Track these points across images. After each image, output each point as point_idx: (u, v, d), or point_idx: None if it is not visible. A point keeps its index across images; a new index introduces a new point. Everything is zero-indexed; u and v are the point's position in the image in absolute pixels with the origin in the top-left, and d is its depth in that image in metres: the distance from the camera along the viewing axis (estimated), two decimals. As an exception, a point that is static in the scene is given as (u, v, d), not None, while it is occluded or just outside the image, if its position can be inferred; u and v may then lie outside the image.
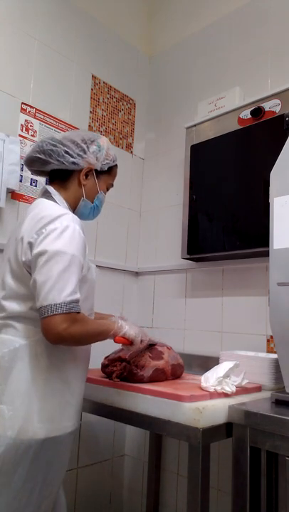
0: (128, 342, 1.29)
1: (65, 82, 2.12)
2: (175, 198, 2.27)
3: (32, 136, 1.93)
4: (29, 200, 1.86)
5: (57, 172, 1.32)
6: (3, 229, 1.77)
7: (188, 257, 2.03)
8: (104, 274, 2.20)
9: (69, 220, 1.17)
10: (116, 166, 1.42)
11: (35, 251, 1.13)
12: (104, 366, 1.50)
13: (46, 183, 1.48)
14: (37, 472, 1.14)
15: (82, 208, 1.34)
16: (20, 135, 1.89)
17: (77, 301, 1.11)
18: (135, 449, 2.27)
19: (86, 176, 1.32)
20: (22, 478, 1.12)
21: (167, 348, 1.60)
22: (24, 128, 1.91)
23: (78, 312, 1.12)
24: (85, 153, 1.30)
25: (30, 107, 1.94)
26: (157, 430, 1.30)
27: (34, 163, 1.32)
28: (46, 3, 2.05)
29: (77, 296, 1.12)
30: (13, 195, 1.82)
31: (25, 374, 1.15)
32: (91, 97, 2.25)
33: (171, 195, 2.32)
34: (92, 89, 2.26)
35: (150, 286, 2.34)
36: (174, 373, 1.55)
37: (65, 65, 2.13)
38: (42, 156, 1.29)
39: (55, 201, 1.27)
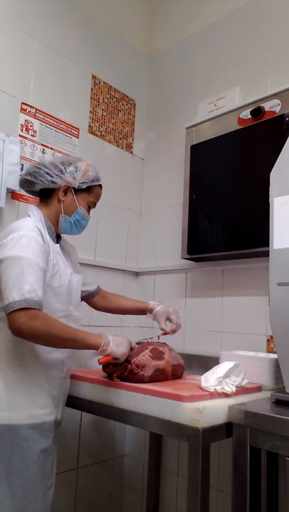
0: (112, 359, 1.37)
1: (65, 82, 2.12)
2: (175, 198, 2.27)
3: (32, 136, 1.93)
4: (29, 200, 1.86)
5: (42, 191, 1.50)
6: (3, 229, 1.77)
7: (188, 257, 2.03)
8: (105, 274, 2.20)
9: (27, 229, 1.32)
10: (99, 186, 1.55)
11: None
12: (105, 365, 1.50)
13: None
14: (8, 454, 1.25)
15: (63, 223, 1.49)
16: (20, 135, 1.89)
17: (36, 299, 1.22)
18: (135, 449, 2.27)
19: (65, 193, 1.48)
20: None
21: (168, 348, 1.61)
22: (24, 128, 1.91)
23: (39, 309, 1.23)
24: (62, 173, 1.46)
25: (30, 107, 1.94)
26: (157, 430, 1.30)
27: (24, 184, 1.53)
28: (46, 3, 2.05)
29: (36, 294, 1.23)
30: (13, 195, 1.82)
31: None
32: (91, 97, 2.25)
33: (171, 195, 2.32)
34: (92, 89, 2.26)
35: (150, 286, 2.35)
36: (174, 374, 1.55)
37: (65, 65, 2.13)
38: (29, 178, 1.48)
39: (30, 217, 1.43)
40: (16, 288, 1.21)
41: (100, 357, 1.34)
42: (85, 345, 1.31)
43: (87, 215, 1.53)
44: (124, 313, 1.85)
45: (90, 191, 1.52)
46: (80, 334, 1.32)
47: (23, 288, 1.21)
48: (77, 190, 1.49)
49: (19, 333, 1.22)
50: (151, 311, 1.72)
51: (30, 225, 1.35)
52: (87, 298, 1.71)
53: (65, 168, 1.47)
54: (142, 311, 1.76)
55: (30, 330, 1.20)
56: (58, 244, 1.46)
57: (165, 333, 1.66)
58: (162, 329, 1.67)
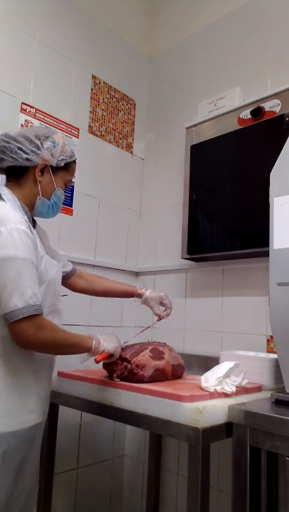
0: (108, 356, 1.35)
1: (65, 82, 2.12)
2: (175, 198, 2.27)
3: (32, 136, 1.93)
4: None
5: (12, 169, 1.30)
6: None
7: (189, 257, 2.03)
8: (105, 274, 2.19)
9: (15, 222, 1.16)
10: (74, 162, 1.39)
11: None
12: (105, 364, 1.50)
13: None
14: None
15: (40, 206, 1.32)
16: (20, 135, 1.89)
17: (38, 303, 1.14)
18: (135, 449, 2.27)
19: (42, 172, 1.30)
20: None
21: (168, 348, 1.61)
22: (24, 128, 1.91)
23: (42, 315, 1.15)
24: (38, 149, 1.27)
25: (30, 107, 1.94)
26: (157, 430, 1.30)
27: None
28: (46, 3, 2.05)
29: (38, 298, 1.14)
30: (13, 195, 1.82)
31: None
32: (91, 97, 2.25)
33: (171, 195, 2.32)
34: (92, 89, 2.26)
35: (150, 286, 2.34)
36: (174, 374, 1.55)
37: (65, 65, 2.13)
38: None
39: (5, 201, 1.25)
40: (16, 293, 1.10)
41: (93, 357, 1.32)
42: (84, 349, 1.28)
43: (63, 195, 1.38)
44: (108, 296, 1.73)
45: (68, 168, 1.36)
46: (78, 338, 1.27)
47: (24, 293, 1.11)
48: (54, 169, 1.32)
49: (26, 344, 1.14)
50: (140, 295, 1.65)
51: (16, 215, 1.18)
52: (64, 279, 1.54)
53: (41, 143, 1.28)
54: (130, 294, 1.68)
55: (39, 341, 1.14)
56: (35, 231, 1.29)
57: (160, 319, 1.65)
58: (157, 315, 1.65)
